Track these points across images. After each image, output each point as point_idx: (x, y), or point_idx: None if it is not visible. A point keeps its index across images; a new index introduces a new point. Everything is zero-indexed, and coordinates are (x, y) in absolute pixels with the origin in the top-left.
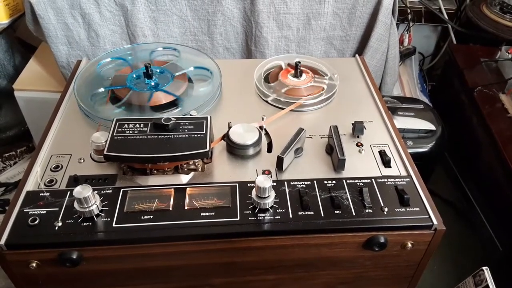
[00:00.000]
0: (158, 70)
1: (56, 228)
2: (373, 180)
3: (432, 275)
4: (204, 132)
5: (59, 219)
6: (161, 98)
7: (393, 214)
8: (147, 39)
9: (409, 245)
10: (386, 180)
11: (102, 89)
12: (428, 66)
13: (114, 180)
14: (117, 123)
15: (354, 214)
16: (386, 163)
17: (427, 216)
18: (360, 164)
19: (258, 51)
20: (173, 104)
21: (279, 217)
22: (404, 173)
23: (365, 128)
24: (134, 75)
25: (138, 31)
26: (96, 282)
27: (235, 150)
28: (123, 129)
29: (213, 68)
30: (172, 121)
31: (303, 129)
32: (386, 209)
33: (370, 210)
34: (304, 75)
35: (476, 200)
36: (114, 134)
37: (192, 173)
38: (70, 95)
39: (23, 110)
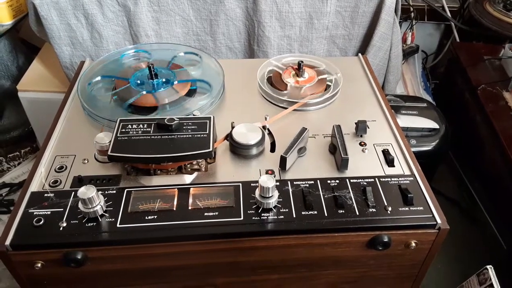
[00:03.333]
0: (166, 73)
1: (61, 228)
2: (376, 179)
3: (436, 273)
4: (207, 132)
5: (64, 220)
6: (146, 100)
7: (397, 213)
8: (150, 39)
9: (413, 244)
10: (389, 179)
11: (98, 78)
12: (431, 64)
13: (118, 181)
14: (121, 124)
15: (357, 213)
16: (390, 162)
17: (431, 215)
18: (364, 164)
19: (261, 51)
20: (153, 110)
21: (282, 216)
22: (407, 172)
23: (368, 127)
24: (141, 73)
25: (141, 31)
26: (101, 282)
27: (238, 150)
28: (126, 130)
29: (214, 82)
30: (175, 122)
31: (306, 128)
32: (389, 208)
33: (374, 210)
34: (306, 74)
35: (480, 199)
36: (118, 135)
37: (195, 173)
38: (74, 95)
39: (27, 110)
